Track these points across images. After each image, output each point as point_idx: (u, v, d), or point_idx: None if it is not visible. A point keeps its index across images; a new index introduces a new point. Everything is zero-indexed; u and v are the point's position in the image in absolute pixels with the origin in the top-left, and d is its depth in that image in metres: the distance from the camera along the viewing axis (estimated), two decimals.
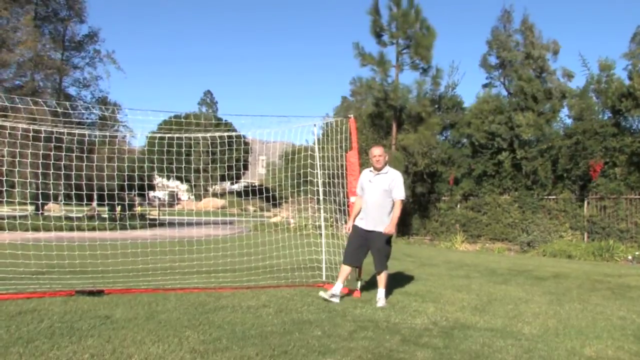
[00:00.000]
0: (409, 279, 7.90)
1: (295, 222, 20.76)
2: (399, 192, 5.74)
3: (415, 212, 20.70)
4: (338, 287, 5.70)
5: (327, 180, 7.54)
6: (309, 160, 7.77)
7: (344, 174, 6.99)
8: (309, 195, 8.85)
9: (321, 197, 7.19)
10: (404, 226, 20.30)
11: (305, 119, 7.36)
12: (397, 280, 7.55)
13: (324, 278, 7.02)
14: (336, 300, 5.62)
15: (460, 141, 20.88)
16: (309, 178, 7.96)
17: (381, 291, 5.71)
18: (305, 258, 7.96)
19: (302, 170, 8.21)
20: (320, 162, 7.25)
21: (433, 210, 20.35)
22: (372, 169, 5.89)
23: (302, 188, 8.17)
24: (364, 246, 5.76)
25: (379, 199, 5.70)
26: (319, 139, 7.42)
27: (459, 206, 19.80)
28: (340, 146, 7.22)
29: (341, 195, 7.39)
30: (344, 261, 5.80)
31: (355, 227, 5.84)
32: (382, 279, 5.75)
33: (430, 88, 19.72)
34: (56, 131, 7.09)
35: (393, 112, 19.40)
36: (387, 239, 5.71)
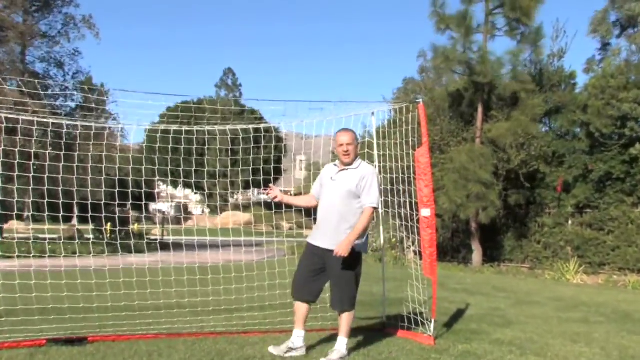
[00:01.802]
0: (501, 321, 7.75)
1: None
2: (371, 197, 5.39)
3: (508, 229, 20.30)
4: (297, 336, 5.43)
5: (388, 187, 7.46)
6: (365, 161, 7.67)
7: (412, 179, 6.89)
8: None
9: (381, 210, 7.09)
10: (491, 249, 19.92)
11: (359, 106, 7.29)
12: (485, 323, 7.40)
13: (384, 317, 6.95)
14: (298, 353, 5.36)
15: (571, 131, 20.31)
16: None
17: (341, 340, 5.35)
18: (361, 291, 7.86)
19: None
20: (379, 162, 7.18)
21: (533, 228, 19.92)
22: (337, 162, 5.66)
23: None
24: (321, 272, 5.43)
25: (341, 204, 5.38)
26: (377, 132, 7.34)
27: (570, 222, 19.30)
28: (406, 141, 7.13)
29: (407, 207, 7.29)
30: (293, 296, 5.53)
31: (307, 247, 5.59)
32: (342, 322, 5.38)
33: (529, 58, 19.29)
34: (22, 119, 7.05)
35: (479, 93, 19.10)
36: (352, 262, 5.31)
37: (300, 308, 5.47)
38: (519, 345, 6.22)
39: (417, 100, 6.80)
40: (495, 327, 7.25)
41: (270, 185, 5.75)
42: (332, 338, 5.69)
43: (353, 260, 5.31)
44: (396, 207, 7.43)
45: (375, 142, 7.21)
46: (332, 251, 5.23)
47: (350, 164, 5.51)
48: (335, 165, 5.67)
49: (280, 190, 5.84)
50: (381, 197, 6.07)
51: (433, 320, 6.25)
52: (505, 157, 19.13)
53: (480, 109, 19.12)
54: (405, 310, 6.77)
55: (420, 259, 6.48)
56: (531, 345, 6.26)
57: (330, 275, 5.39)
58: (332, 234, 5.34)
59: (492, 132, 18.63)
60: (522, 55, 18.73)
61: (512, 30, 18.67)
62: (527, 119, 18.49)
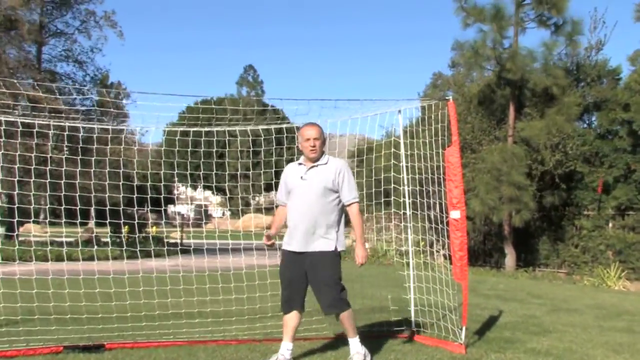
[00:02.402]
0: (537, 330, 7.67)
1: (372, 247, 20.72)
2: (353, 191, 5.40)
3: (543, 232, 20.10)
4: (286, 349, 5.33)
5: (417, 189, 7.44)
6: (391, 161, 7.67)
7: (442, 179, 6.87)
8: (392, 210, 8.72)
9: (409, 212, 7.10)
10: (526, 253, 19.73)
11: (385, 104, 7.26)
12: (519, 331, 7.34)
13: (413, 325, 6.93)
14: None
15: (612, 129, 20.03)
16: (392, 186, 7.88)
17: (353, 342, 5.38)
18: (386, 297, 7.86)
19: (381, 175, 8.13)
20: (407, 162, 7.16)
21: (570, 231, 19.73)
22: (302, 160, 5.52)
23: (382, 200, 8.07)
24: (302, 278, 5.33)
25: (317, 203, 5.28)
26: (405, 131, 7.32)
27: (611, 225, 19.09)
28: (435, 140, 7.10)
29: (437, 208, 7.27)
30: (283, 311, 5.45)
31: (284, 255, 5.48)
32: (345, 324, 5.35)
33: (564, 52, 19.06)
34: (38, 123, 7.19)
35: (510, 90, 18.95)
36: (332, 262, 5.29)
37: (292, 319, 5.38)
38: (556, 355, 6.15)
39: (447, 97, 6.76)
40: (531, 336, 7.17)
41: (268, 235, 5.50)
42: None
43: (335, 258, 5.32)
44: (425, 208, 7.39)
45: (402, 141, 7.18)
46: (312, 253, 5.26)
47: (317, 159, 5.40)
48: (300, 164, 5.52)
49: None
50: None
51: (464, 328, 6.20)
52: (539, 158, 18.93)
53: (511, 107, 18.94)
54: (434, 317, 6.72)
55: (451, 263, 6.44)
56: (570, 355, 6.18)
57: (313, 280, 5.30)
58: (310, 236, 5.27)
59: (525, 131, 18.41)
60: (556, 48, 18.51)
61: (545, 21, 18.45)
62: (562, 117, 18.24)
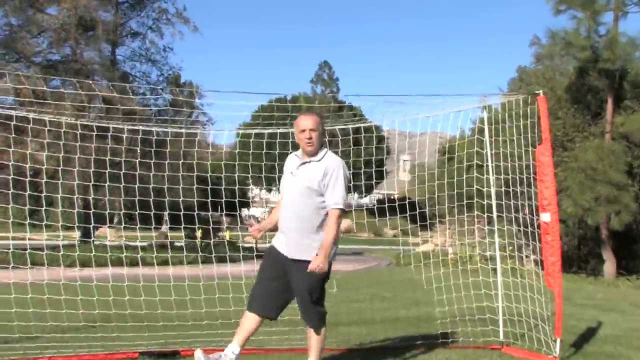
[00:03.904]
0: None
1: (455, 251, 20.42)
2: (336, 196, 4.94)
3: None
4: (231, 352, 4.99)
5: (503, 190, 7.35)
6: (475, 160, 7.61)
7: (532, 179, 6.75)
8: (477, 212, 8.61)
9: (495, 215, 7.01)
10: (627, 259, 19.06)
11: (469, 99, 7.21)
12: (622, 345, 7.11)
13: (501, 336, 6.82)
14: None
15: None
16: (474, 186, 7.81)
17: None
18: (471, 306, 7.75)
19: (464, 175, 8.05)
20: (493, 162, 7.07)
21: None
22: (299, 152, 5.22)
23: (465, 201, 7.99)
24: (285, 283, 5.05)
25: (301, 203, 5.00)
26: (490, 128, 7.22)
27: None
28: (524, 137, 6.98)
29: (526, 210, 7.14)
30: (248, 307, 5.12)
31: (270, 249, 5.21)
32: (312, 342, 5.05)
33: None
34: (112, 126, 7.45)
35: (608, 81, 18.37)
36: (319, 275, 4.91)
37: (251, 321, 5.06)
38: None
39: (536, 92, 6.63)
40: (636, 351, 6.87)
41: (252, 224, 5.38)
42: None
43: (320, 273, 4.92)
44: (512, 210, 7.27)
45: (487, 139, 7.09)
46: (294, 261, 4.96)
47: (314, 154, 5.06)
48: (296, 156, 5.22)
49: (256, 219, 5.62)
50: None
51: (558, 340, 6.07)
52: None
53: (610, 100, 18.35)
54: (525, 327, 6.61)
55: (542, 269, 6.31)
56: None
57: (295, 289, 5.04)
58: (293, 241, 5.02)
59: (624, 125, 17.84)
60: None
61: None
62: None
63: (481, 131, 7.26)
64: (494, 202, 7.01)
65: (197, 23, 28.14)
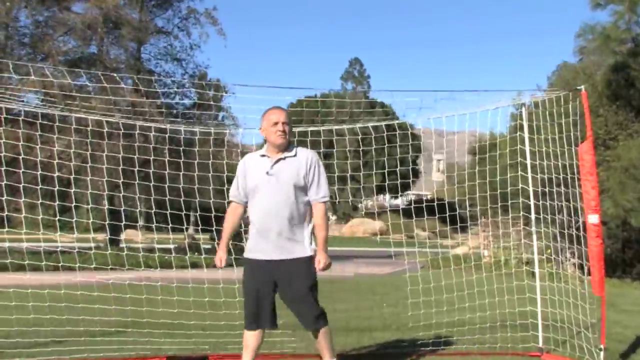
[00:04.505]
0: None
1: (492, 254, 20.24)
2: (322, 189, 4.99)
3: None
4: None
5: (539, 190, 7.28)
6: (518, 158, 7.47)
7: (574, 179, 6.67)
8: (517, 214, 8.52)
9: (533, 216, 6.93)
10: None
11: (507, 95, 7.15)
12: None
13: (540, 343, 6.74)
14: None
15: None
16: (509, 187, 7.68)
17: None
18: (509, 311, 7.69)
19: (501, 176, 7.98)
20: (531, 160, 7.00)
21: None
22: (264, 150, 5.12)
23: (503, 202, 7.91)
24: (270, 290, 4.97)
25: (288, 203, 4.91)
26: (529, 126, 7.14)
27: None
28: (567, 135, 6.90)
29: (565, 211, 7.13)
30: (247, 327, 5.10)
31: (250, 265, 5.08)
32: (323, 343, 5.03)
33: None
34: (139, 125, 7.50)
35: None
36: (308, 270, 4.93)
37: (254, 339, 5.08)
38: None
39: (579, 87, 6.55)
40: None
41: (218, 256, 5.18)
42: None
43: (311, 265, 4.95)
44: (549, 212, 7.20)
45: (527, 136, 7.01)
46: (285, 262, 4.91)
47: (284, 149, 5.02)
48: (263, 155, 5.09)
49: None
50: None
51: (603, 348, 5.97)
52: None
53: None
54: (567, 334, 6.57)
55: (583, 273, 6.22)
56: None
57: (287, 292, 4.98)
58: (282, 241, 4.92)
59: None
60: None
61: None
62: None
63: (520, 129, 7.20)
64: (531, 203, 6.93)
65: (223, 24, 28.28)
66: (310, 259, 4.95)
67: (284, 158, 4.99)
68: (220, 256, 5.10)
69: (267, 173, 4.95)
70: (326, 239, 4.96)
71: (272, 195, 4.92)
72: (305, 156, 5.02)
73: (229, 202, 5.28)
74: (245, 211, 5.21)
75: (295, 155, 5.02)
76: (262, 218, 4.96)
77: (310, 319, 4.94)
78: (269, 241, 4.93)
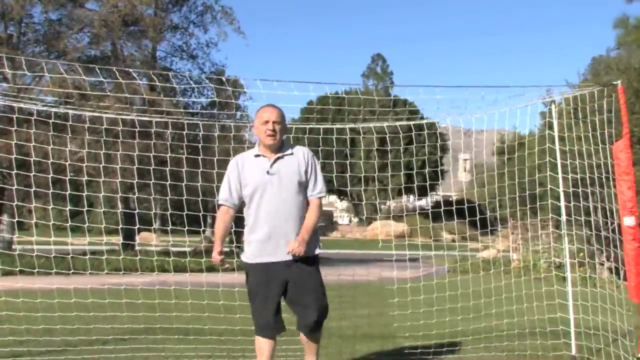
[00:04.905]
0: None
1: (521, 258, 20.06)
2: (319, 185, 5.04)
3: None
4: None
5: (571, 190, 7.18)
6: (547, 158, 7.38)
7: (609, 179, 6.57)
8: (548, 216, 8.38)
9: (563, 218, 6.83)
10: None
11: (536, 91, 7.02)
12: None
13: (573, 350, 6.62)
14: None
15: None
16: (538, 188, 7.52)
17: None
18: (538, 318, 7.55)
19: (530, 176, 7.85)
20: (561, 160, 6.89)
21: None
22: (257, 150, 5.08)
23: (533, 204, 7.77)
24: (279, 293, 4.94)
25: (294, 201, 4.94)
26: (560, 123, 7.00)
27: None
28: (601, 133, 6.77)
29: (601, 213, 6.99)
30: (260, 333, 4.99)
31: (257, 268, 4.99)
32: (313, 345, 5.09)
33: None
34: (155, 121, 7.52)
35: None
36: (316, 269, 4.98)
37: (269, 345, 4.98)
38: None
39: (614, 82, 6.39)
40: None
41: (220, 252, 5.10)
42: None
43: (317, 264, 5.03)
44: (581, 213, 7.05)
45: (557, 134, 6.89)
46: (299, 261, 4.87)
47: (277, 148, 5.00)
48: (257, 155, 5.06)
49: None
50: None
51: None
52: None
53: None
54: (601, 341, 6.48)
55: (620, 278, 6.07)
56: None
57: (298, 292, 4.93)
58: (286, 240, 4.88)
59: None
60: None
61: None
62: None
63: (549, 127, 7.08)
64: (562, 204, 6.83)
65: (242, 23, 28.47)
66: (316, 258, 5.03)
67: (283, 157, 5.00)
68: (216, 257, 5.01)
69: (268, 172, 4.93)
70: (312, 228, 4.92)
71: (278, 195, 4.90)
72: (302, 153, 5.06)
73: (218, 206, 5.18)
74: (234, 215, 5.17)
75: (293, 153, 5.05)
76: (269, 219, 4.91)
77: (313, 319, 4.90)
78: (279, 242, 4.87)
